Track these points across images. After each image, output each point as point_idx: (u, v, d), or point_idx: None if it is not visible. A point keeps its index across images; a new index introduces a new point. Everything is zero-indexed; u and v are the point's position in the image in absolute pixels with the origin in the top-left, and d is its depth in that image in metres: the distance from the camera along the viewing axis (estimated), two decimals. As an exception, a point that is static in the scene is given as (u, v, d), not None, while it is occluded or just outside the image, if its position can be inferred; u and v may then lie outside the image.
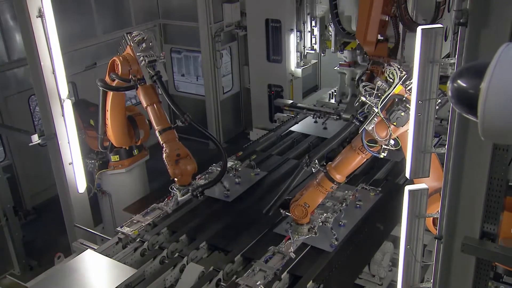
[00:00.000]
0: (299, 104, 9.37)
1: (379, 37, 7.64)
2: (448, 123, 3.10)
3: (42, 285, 5.40)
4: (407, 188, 3.53)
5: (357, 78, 8.52)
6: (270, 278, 5.05)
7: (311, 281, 5.16)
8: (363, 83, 4.64)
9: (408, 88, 4.47)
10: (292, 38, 10.90)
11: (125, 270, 5.40)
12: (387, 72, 4.50)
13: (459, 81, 2.26)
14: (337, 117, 8.78)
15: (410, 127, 3.44)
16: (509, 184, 3.20)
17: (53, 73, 6.51)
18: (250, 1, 11.19)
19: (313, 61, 12.04)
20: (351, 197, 6.12)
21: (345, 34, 8.91)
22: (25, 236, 8.55)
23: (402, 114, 4.45)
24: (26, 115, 9.89)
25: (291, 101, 9.66)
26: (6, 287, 6.13)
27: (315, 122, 8.81)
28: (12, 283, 5.87)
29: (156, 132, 6.28)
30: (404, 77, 4.47)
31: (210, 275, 5.27)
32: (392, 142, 4.63)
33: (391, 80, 4.50)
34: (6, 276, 7.08)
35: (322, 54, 10.63)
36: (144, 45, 6.37)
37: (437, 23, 3.27)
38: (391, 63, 4.59)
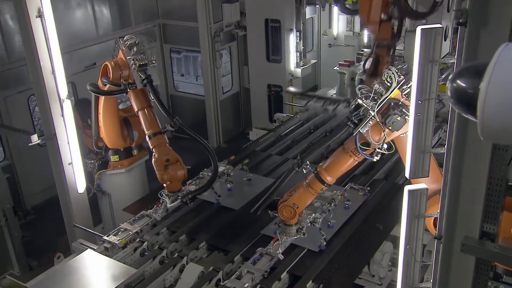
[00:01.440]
0: (309, 93, 9.30)
1: (383, 16, 7.59)
2: (447, 124, 3.10)
3: (42, 285, 5.40)
4: (407, 188, 3.53)
5: (362, 63, 8.45)
6: (258, 280, 5.02)
7: (310, 281, 5.16)
8: (360, 85, 4.63)
9: (405, 92, 4.48)
10: (292, 38, 10.91)
11: (125, 270, 5.39)
12: (385, 76, 4.49)
13: (458, 81, 2.26)
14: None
15: (409, 127, 3.44)
16: (509, 184, 3.20)
17: (53, 73, 6.51)
18: (249, 1, 11.21)
19: (313, 61, 12.07)
20: (339, 197, 6.10)
21: (346, 9, 9.02)
22: (25, 236, 8.56)
23: (399, 118, 4.45)
24: (25, 115, 9.89)
25: (301, 90, 9.57)
26: (6, 287, 6.12)
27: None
28: (12, 283, 5.86)
29: (146, 136, 6.22)
30: (402, 81, 4.47)
31: (209, 275, 5.27)
32: (385, 146, 4.63)
33: (388, 83, 4.50)
34: (6, 276, 7.08)
35: (322, 9, 10.56)
36: (135, 49, 6.33)
37: (436, 23, 3.26)
38: (390, 66, 4.58)
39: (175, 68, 13.09)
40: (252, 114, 12.14)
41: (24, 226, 8.87)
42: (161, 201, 6.18)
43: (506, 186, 3.15)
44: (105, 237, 5.77)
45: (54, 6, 6.32)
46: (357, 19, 11.25)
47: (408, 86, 4.45)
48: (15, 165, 9.76)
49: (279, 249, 5.36)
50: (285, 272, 5.24)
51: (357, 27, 11.66)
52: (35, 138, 6.65)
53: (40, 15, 6.20)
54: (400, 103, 4.48)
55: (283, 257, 5.33)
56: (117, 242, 5.70)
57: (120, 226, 5.94)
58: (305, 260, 5.47)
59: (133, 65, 6.20)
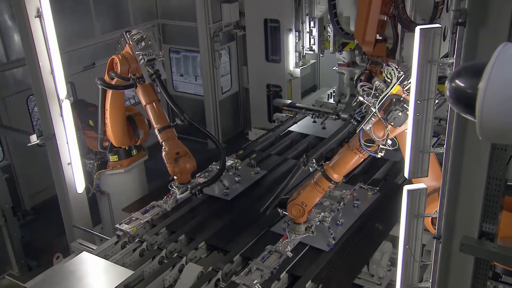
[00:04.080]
0: (297, 104, 9.40)
1: (378, 37, 7.65)
2: (446, 123, 3.11)
3: (41, 286, 5.40)
4: (406, 188, 3.53)
5: (355, 77, 8.53)
6: (267, 277, 5.06)
7: (310, 281, 5.16)
8: (361, 83, 4.64)
9: (406, 88, 4.47)
10: (291, 38, 10.90)
11: (122, 271, 5.40)
12: (385, 72, 4.50)
13: (457, 81, 2.26)
14: (336, 117, 8.80)
15: (408, 127, 3.44)
16: (508, 183, 3.20)
17: (52, 73, 6.49)
18: (248, 1, 11.19)
19: (312, 61, 12.04)
20: (349, 196, 6.12)
21: (344, 35, 8.92)
22: (24, 237, 8.54)
23: (400, 114, 4.46)
24: (24, 115, 9.88)
25: (290, 101, 9.68)
26: (5, 287, 6.12)
27: (314, 122, 8.81)
28: (11, 283, 5.85)
29: (155, 130, 6.31)
30: (402, 77, 4.47)
31: (209, 275, 5.27)
32: (389, 142, 4.63)
33: (389, 80, 4.50)
34: (5, 276, 7.07)
35: (321, 55, 10.64)
36: (143, 43, 6.38)
37: (435, 23, 3.27)
38: (390, 63, 4.59)
39: (174, 68, 13.09)
40: (251, 114, 12.12)
41: (23, 227, 8.85)
42: (171, 192, 6.36)
43: (505, 186, 3.15)
44: (117, 225, 5.92)
45: (53, 6, 6.30)
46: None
47: (408, 81, 4.46)
48: (14, 165, 9.75)
49: (288, 246, 5.41)
50: (284, 272, 5.25)
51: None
52: (34, 138, 6.64)
53: (39, 15, 6.19)
54: (401, 98, 4.48)
55: (292, 254, 5.36)
56: (129, 230, 5.89)
57: (131, 215, 6.15)
58: (305, 260, 5.48)
59: (142, 60, 6.25)
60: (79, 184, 7.11)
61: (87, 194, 7.44)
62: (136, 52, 6.34)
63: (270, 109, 11.72)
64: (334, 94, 10.54)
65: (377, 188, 6.60)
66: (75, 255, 5.82)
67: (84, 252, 5.79)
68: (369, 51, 7.77)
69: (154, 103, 6.40)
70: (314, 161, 5.17)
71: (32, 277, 5.71)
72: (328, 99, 10.51)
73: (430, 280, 3.61)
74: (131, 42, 6.42)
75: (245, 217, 6.26)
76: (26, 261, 8.25)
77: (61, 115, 6.70)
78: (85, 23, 10.80)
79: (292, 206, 5.35)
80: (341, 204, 5.94)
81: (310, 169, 5.19)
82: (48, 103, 6.58)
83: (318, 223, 5.61)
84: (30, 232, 9.21)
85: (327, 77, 12.62)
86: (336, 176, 5.10)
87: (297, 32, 10.89)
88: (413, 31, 3.23)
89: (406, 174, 3.57)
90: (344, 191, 6.11)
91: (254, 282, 4.91)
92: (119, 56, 6.47)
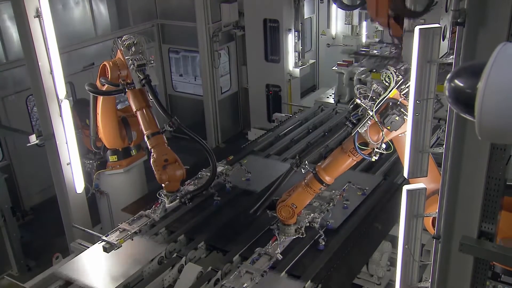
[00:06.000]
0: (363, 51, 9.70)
1: (390, 12, 7.67)
2: (446, 124, 3.11)
3: (40, 286, 5.40)
4: (405, 187, 3.53)
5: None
6: (257, 280, 5.01)
7: (309, 280, 5.16)
8: (358, 85, 4.63)
9: (403, 92, 4.48)
10: (290, 38, 10.92)
11: (122, 271, 5.39)
12: (383, 76, 4.50)
13: (456, 81, 2.26)
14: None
15: (408, 127, 3.44)
16: (507, 183, 3.20)
17: (51, 73, 6.49)
18: (248, 1, 11.21)
19: (311, 61, 12.07)
20: (338, 196, 6.11)
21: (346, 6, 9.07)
22: (23, 237, 8.54)
23: (397, 118, 4.46)
24: (24, 115, 9.88)
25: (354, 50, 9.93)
26: (4, 287, 6.13)
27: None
28: (10, 283, 5.86)
29: (145, 137, 6.22)
30: (400, 81, 4.48)
31: (208, 275, 5.27)
32: (383, 145, 4.63)
33: (386, 83, 4.50)
34: (4, 276, 7.07)
35: (321, 2, 10.57)
36: (133, 49, 6.34)
37: (434, 23, 3.27)
38: (388, 66, 4.59)
39: (173, 68, 13.09)
40: (250, 114, 12.14)
41: (22, 227, 8.86)
42: (159, 201, 6.16)
43: (504, 186, 3.15)
44: (104, 237, 5.75)
45: (52, 6, 6.31)
46: (355, 13, 11.21)
47: (406, 86, 4.46)
48: (14, 166, 9.75)
49: (278, 249, 5.36)
50: (283, 272, 5.24)
51: (355, 21, 11.58)
52: (33, 139, 6.64)
53: (38, 15, 6.18)
54: (398, 102, 4.49)
55: (281, 257, 5.33)
56: (115, 242, 5.68)
57: (118, 226, 5.93)
58: (304, 260, 5.47)
59: (132, 65, 6.21)
60: (79, 184, 7.11)
61: (87, 194, 7.44)
62: (126, 57, 6.31)
63: (269, 109, 11.74)
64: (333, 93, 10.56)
65: (366, 188, 6.59)
66: (74, 255, 5.82)
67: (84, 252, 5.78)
68: (384, 24, 7.81)
69: (144, 110, 6.31)
70: (306, 162, 5.16)
71: (31, 277, 5.71)
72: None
73: (430, 280, 3.62)
74: (122, 48, 6.40)
75: (245, 217, 6.25)
76: (25, 261, 8.26)
77: (60, 115, 6.70)
78: (84, 23, 10.81)
79: (281, 208, 5.27)
80: (330, 205, 5.93)
81: (303, 170, 5.16)
82: (47, 103, 6.58)
83: (308, 224, 5.58)
84: (29, 232, 9.21)
85: (326, 77, 12.65)
86: (328, 179, 5.05)
87: (296, 32, 10.90)
88: (409, 16, 3.23)
89: (405, 174, 3.57)
90: (333, 191, 6.09)
91: (244, 286, 4.86)
92: (110, 62, 6.46)
